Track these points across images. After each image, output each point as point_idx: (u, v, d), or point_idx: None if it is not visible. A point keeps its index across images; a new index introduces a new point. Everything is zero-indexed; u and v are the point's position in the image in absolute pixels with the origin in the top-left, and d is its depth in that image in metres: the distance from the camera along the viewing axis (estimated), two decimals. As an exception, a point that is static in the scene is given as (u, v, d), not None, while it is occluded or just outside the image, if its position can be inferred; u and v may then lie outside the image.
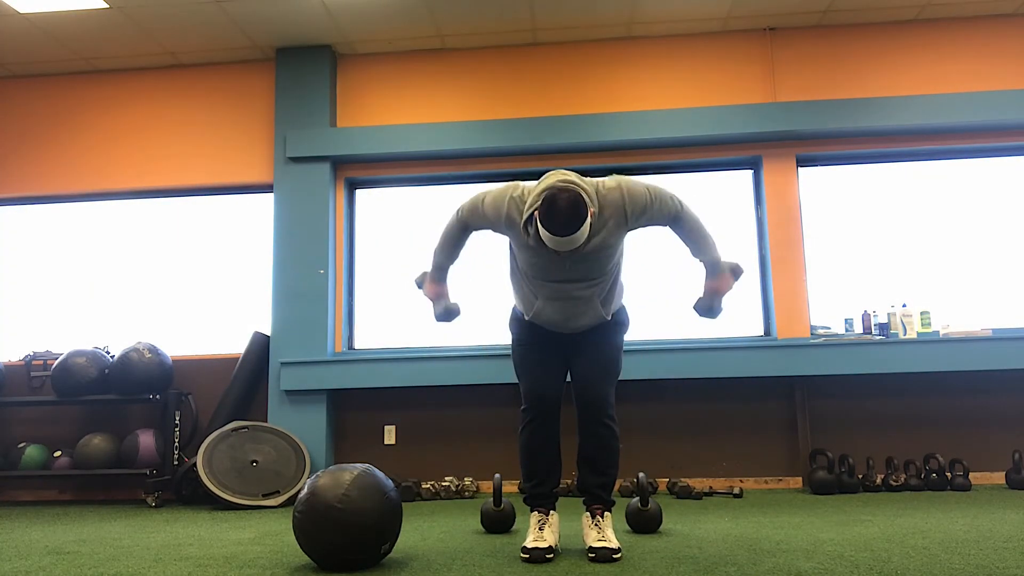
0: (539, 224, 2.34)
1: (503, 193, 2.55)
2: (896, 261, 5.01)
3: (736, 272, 2.68)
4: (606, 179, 2.53)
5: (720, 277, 2.66)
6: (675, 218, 2.57)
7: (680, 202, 2.57)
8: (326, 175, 5.15)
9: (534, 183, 2.51)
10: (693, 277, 5.04)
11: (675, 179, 5.19)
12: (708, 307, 2.70)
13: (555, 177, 2.40)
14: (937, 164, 5.08)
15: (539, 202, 2.35)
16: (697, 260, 2.67)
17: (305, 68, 5.25)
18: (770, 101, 5.05)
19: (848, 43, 5.12)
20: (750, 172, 5.16)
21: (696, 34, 5.20)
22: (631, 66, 5.21)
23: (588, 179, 2.50)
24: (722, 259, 2.66)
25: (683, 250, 4.94)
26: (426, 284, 2.84)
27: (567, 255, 2.45)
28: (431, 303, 2.84)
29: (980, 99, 4.80)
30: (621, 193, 2.47)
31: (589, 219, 2.34)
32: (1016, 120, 4.80)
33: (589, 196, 2.39)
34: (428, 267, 2.84)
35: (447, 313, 2.82)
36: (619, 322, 2.78)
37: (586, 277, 2.56)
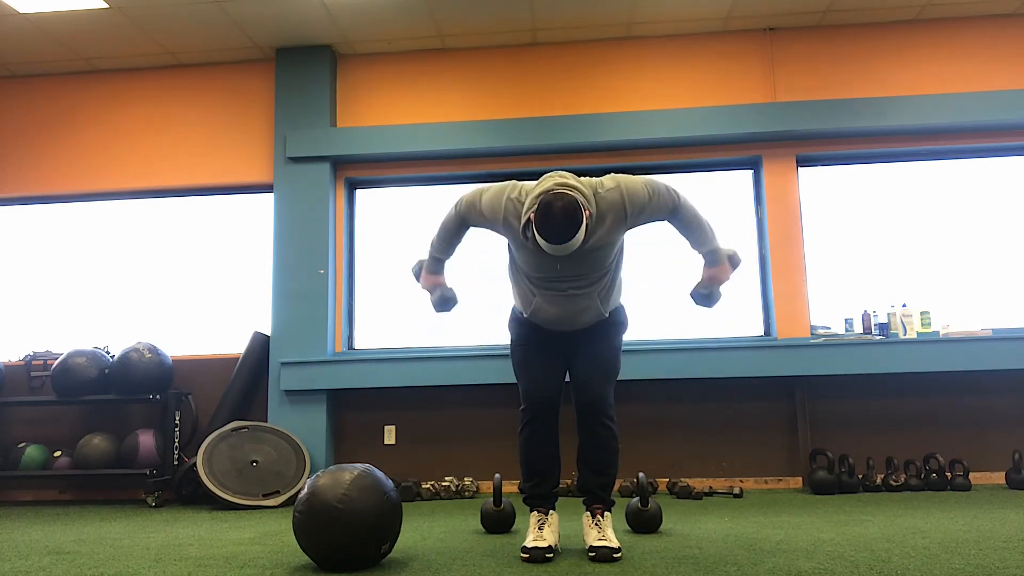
0: (535, 232, 2.35)
1: (500, 193, 2.56)
2: (896, 261, 5.01)
3: (734, 261, 2.70)
4: (604, 179, 2.53)
5: (719, 266, 2.68)
6: (673, 211, 2.58)
7: (677, 194, 2.58)
8: (326, 175, 5.15)
9: (532, 183, 2.51)
10: (694, 277, 5.04)
11: (675, 179, 5.19)
12: (706, 295, 2.73)
13: (552, 180, 2.41)
14: (937, 164, 5.08)
15: (535, 207, 2.35)
16: (696, 251, 2.69)
17: (305, 68, 5.25)
18: (770, 101, 5.05)
19: (848, 43, 5.12)
20: (750, 172, 5.16)
21: (696, 34, 5.20)
22: (631, 66, 5.21)
23: (586, 179, 2.51)
24: (721, 248, 2.67)
25: (683, 248, 4.94)
26: (423, 275, 2.85)
27: (564, 261, 2.49)
28: (428, 293, 2.84)
29: (980, 99, 4.80)
30: (620, 193, 2.48)
31: (585, 223, 2.35)
32: (1016, 120, 4.80)
33: (586, 198, 2.40)
34: (425, 257, 2.84)
35: (444, 302, 2.82)
36: (618, 322, 2.79)
37: (584, 275, 2.57)
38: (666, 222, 2.63)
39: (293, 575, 2.37)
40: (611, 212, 2.47)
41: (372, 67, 5.35)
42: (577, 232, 2.32)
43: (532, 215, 2.37)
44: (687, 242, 2.68)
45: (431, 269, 2.82)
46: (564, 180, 2.41)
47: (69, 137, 5.48)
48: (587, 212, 2.38)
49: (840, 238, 5.06)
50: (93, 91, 5.52)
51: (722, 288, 2.74)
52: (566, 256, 2.47)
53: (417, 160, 5.21)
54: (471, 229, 2.75)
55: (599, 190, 2.49)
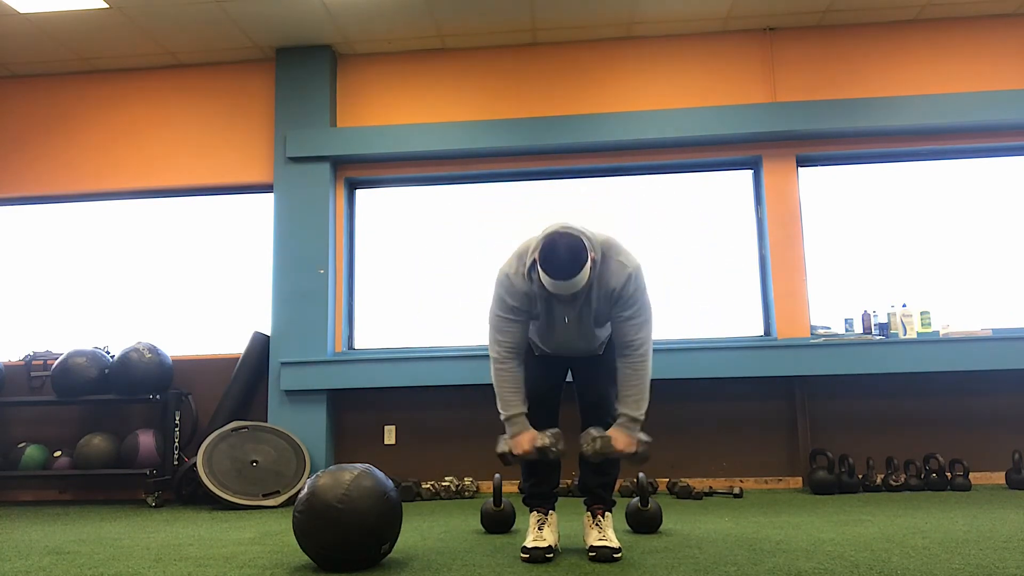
0: (540, 269, 2.36)
1: (499, 284, 2.54)
2: (896, 261, 5.01)
3: (642, 448, 2.46)
4: (627, 250, 2.51)
5: (627, 436, 2.45)
6: (634, 345, 2.46)
7: (649, 341, 2.49)
8: (326, 175, 5.15)
9: (515, 258, 2.52)
10: (694, 277, 5.05)
11: (675, 179, 5.19)
12: (596, 450, 2.43)
13: (556, 225, 2.42)
14: (937, 164, 5.08)
15: (539, 247, 2.37)
16: (619, 407, 2.48)
17: (305, 68, 5.25)
18: (770, 101, 5.05)
19: (848, 43, 5.12)
20: (750, 172, 5.16)
21: (696, 34, 5.20)
22: (631, 66, 5.21)
23: (610, 237, 2.50)
24: (640, 424, 2.47)
25: (686, 252, 4.92)
26: (515, 445, 2.48)
27: (570, 310, 2.48)
28: (535, 454, 2.48)
29: (980, 99, 4.80)
30: (630, 272, 2.45)
31: (589, 264, 2.35)
32: (1016, 120, 4.80)
33: (592, 244, 2.40)
34: (506, 431, 2.53)
35: (557, 445, 2.47)
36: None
37: (584, 334, 2.60)
38: (617, 352, 2.51)
39: (293, 575, 2.37)
40: (611, 278, 2.46)
41: (372, 67, 5.35)
42: (581, 270, 2.32)
43: (537, 255, 2.37)
44: (619, 389, 2.48)
45: (517, 430, 2.49)
46: (568, 225, 2.41)
47: (69, 137, 5.48)
48: (591, 255, 2.37)
49: (840, 238, 5.06)
50: (93, 91, 5.52)
51: (611, 455, 2.45)
52: (571, 313, 2.48)
53: (417, 160, 5.21)
54: (518, 324, 2.55)
55: (610, 251, 2.47)
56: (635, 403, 2.47)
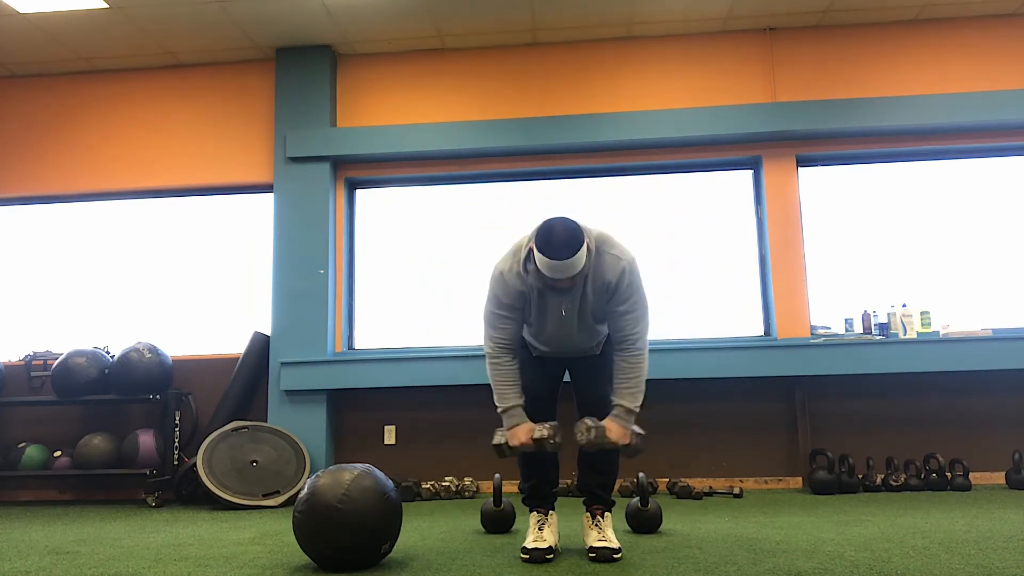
0: (536, 252, 2.36)
1: (494, 281, 2.57)
2: (896, 261, 5.01)
3: (636, 441, 2.46)
4: (621, 242, 2.52)
5: (621, 427, 2.45)
6: (631, 339, 2.46)
7: (645, 334, 2.48)
8: (326, 175, 5.15)
9: (510, 255, 2.55)
10: (694, 278, 5.04)
11: (675, 179, 5.19)
12: (590, 439, 2.41)
13: (550, 217, 2.44)
14: (937, 164, 5.08)
15: (535, 234, 2.38)
16: (613, 399, 2.48)
17: (305, 68, 5.25)
18: (770, 101, 5.04)
19: (848, 43, 5.12)
20: (750, 172, 5.16)
21: (696, 34, 5.20)
22: (631, 66, 5.21)
23: (603, 231, 2.53)
24: (633, 422, 2.49)
25: (686, 252, 4.92)
26: (511, 436, 2.49)
27: (566, 303, 2.48)
28: (533, 447, 2.47)
29: (980, 99, 4.80)
30: (624, 266, 2.46)
31: (585, 248, 2.36)
32: (1016, 120, 4.80)
33: (588, 234, 2.43)
34: (502, 425, 2.54)
35: (555, 437, 2.46)
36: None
37: (582, 329, 2.60)
38: (615, 345, 2.51)
39: (293, 575, 2.37)
40: (606, 272, 2.47)
41: (372, 67, 5.35)
42: (577, 251, 2.32)
43: (533, 242, 2.39)
44: (615, 381, 2.49)
45: (514, 422, 2.49)
46: (563, 215, 2.44)
47: (69, 137, 5.48)
48: (587, 240, 2.40)
49: (840, 238, 5.06)
50: (93, 91, 5.52)
51: (606, 444, 2.44)
52: (568, 305, 2.48)
53: (417, 160, 5.21)
54: (512, 320, 2.56)
55: (604, 245, 2.48)
56: (631, 395, 2.47)
